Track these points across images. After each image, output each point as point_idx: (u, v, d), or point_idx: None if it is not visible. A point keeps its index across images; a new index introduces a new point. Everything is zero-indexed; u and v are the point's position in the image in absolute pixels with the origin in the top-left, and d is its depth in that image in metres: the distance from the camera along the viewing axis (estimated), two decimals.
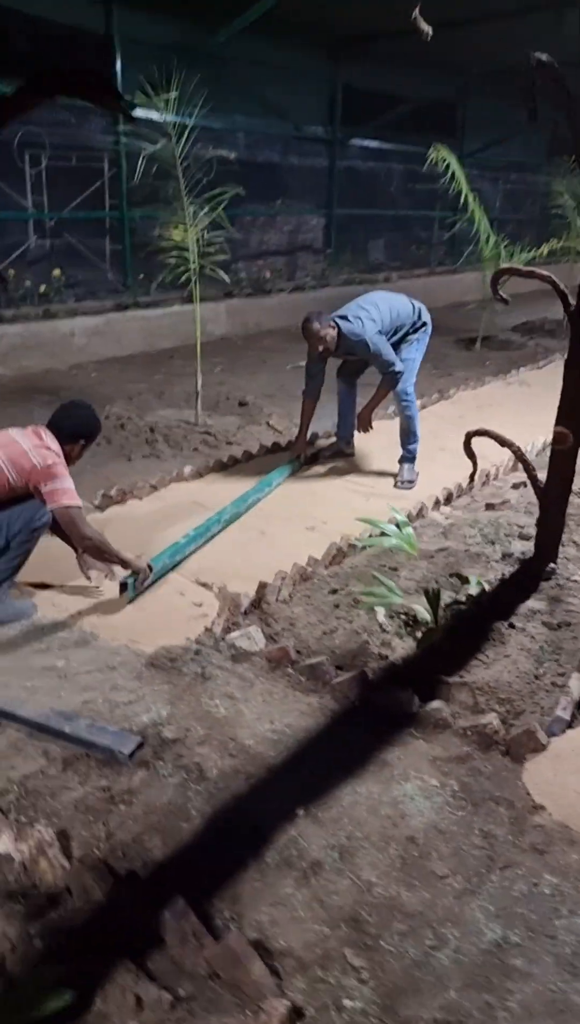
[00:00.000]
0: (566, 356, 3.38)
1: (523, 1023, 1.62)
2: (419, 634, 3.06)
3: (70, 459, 3.13)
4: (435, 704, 2.59)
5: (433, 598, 2.91)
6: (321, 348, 4.59)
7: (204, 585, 3.45)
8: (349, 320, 4.53)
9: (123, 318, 8.45)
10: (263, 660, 2.85)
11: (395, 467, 4.87)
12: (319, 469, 4.97)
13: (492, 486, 4.84)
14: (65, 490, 2.99)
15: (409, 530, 3.20)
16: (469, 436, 3.79)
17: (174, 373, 7.65)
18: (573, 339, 3.34)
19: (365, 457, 5.14)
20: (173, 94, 4.89)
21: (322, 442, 5.36)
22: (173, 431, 5.47)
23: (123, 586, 3.24)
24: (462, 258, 13.19)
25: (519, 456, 3.64)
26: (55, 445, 3.05)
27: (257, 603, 3.23)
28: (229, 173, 6.12)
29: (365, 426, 4.95)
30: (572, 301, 3.29)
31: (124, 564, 3.19)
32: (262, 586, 3.28)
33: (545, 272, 3.57)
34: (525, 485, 4.82)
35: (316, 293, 10.94)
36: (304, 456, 4.99)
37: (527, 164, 15.84)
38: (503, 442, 3.74)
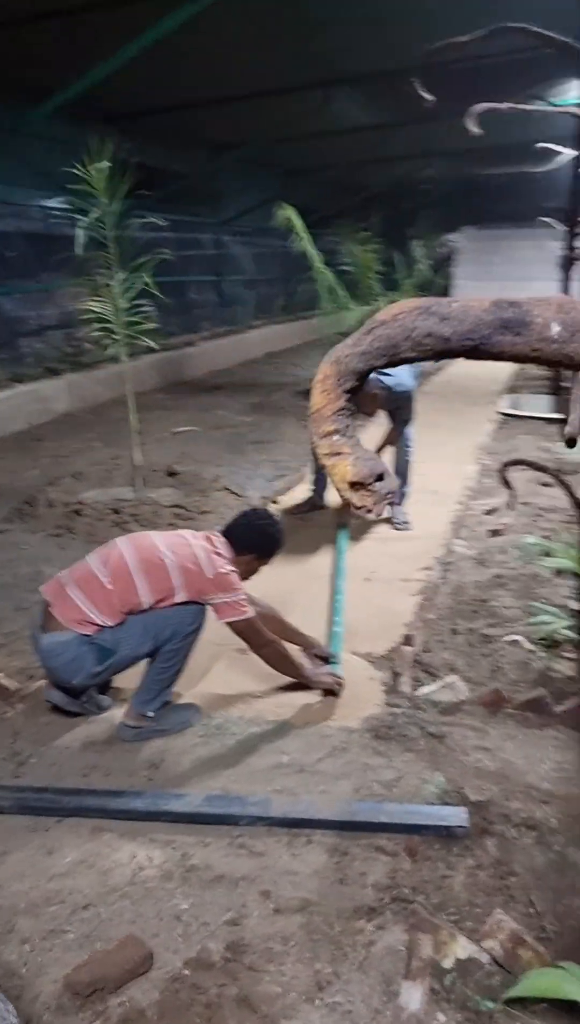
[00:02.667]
0: None
1: None
2: (566, 652, 3.19)
3: (239, 573, 2.83)
4: None
5: None
6: (373, 411, 4.60)
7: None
8: (390, 374, 4.44)
9: None
10: (477, 707, 2.80)
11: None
12: (310, 527, 4.92)
13: (475, 514, 5.10)
14: (236, 603, 2.72)
15: (573, 551, 3.34)
16: (505, 466, 4.04)
17: (54, 454, 7.12)
18: None
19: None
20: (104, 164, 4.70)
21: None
22: (128, 509, 5.09)
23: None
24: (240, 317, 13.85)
25: (558, 479, 3.93)
26: (227, 553, 2.79)
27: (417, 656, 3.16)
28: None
29: None
30: None
31: (304, 679, 2.96)
32: (408, 639, 3.22)
33: None
34: (496, 511, 5.17)
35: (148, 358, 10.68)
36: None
37: (270, 230, 16.78)
38: (539, 468, 4.04)
